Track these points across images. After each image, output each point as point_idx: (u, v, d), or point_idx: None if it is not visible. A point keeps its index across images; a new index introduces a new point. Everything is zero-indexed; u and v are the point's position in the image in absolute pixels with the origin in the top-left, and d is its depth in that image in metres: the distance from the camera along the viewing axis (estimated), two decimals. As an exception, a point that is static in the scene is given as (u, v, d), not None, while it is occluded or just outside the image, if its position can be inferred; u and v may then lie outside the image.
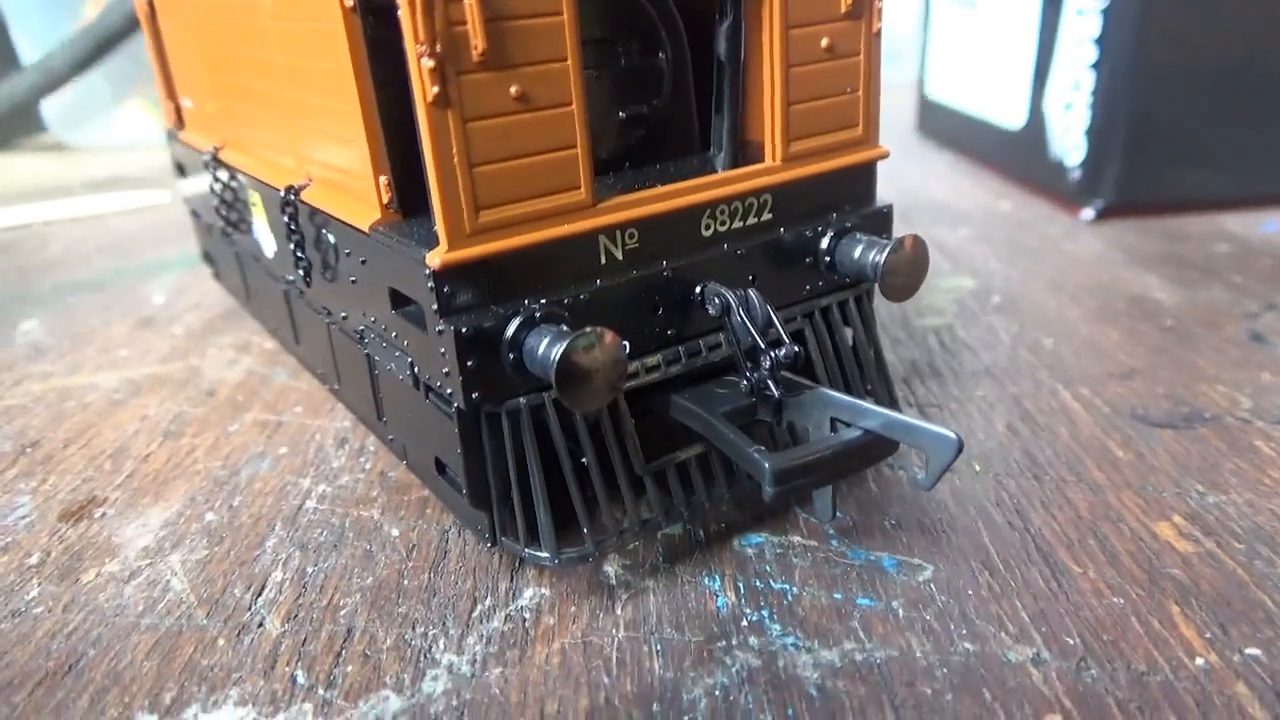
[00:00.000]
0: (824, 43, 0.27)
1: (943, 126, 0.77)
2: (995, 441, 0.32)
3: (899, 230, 0.29)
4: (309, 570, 0.27)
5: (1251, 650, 0.23)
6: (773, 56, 0.27)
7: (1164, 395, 0.35)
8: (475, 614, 0.25)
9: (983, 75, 0.67)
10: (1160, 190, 0.56)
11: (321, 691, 0.23)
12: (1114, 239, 0.53)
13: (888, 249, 0.28)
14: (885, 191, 0.31)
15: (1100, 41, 0.53)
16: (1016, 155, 0.64)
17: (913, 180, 0.68)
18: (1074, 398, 0.35)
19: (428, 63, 0.21)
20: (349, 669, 0.24)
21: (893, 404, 0.31)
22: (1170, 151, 0.55)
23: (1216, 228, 0.54)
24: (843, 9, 0.27)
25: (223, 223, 0.41)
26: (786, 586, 0.26)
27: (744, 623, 0.24)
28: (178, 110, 0.46)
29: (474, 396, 0.24)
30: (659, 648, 0.24)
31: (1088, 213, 0.57)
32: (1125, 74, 0.53)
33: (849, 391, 0.29)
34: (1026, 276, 0.48)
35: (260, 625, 0.25)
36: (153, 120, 0.93)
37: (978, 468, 0.31)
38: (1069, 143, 0.57)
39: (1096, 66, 0.54)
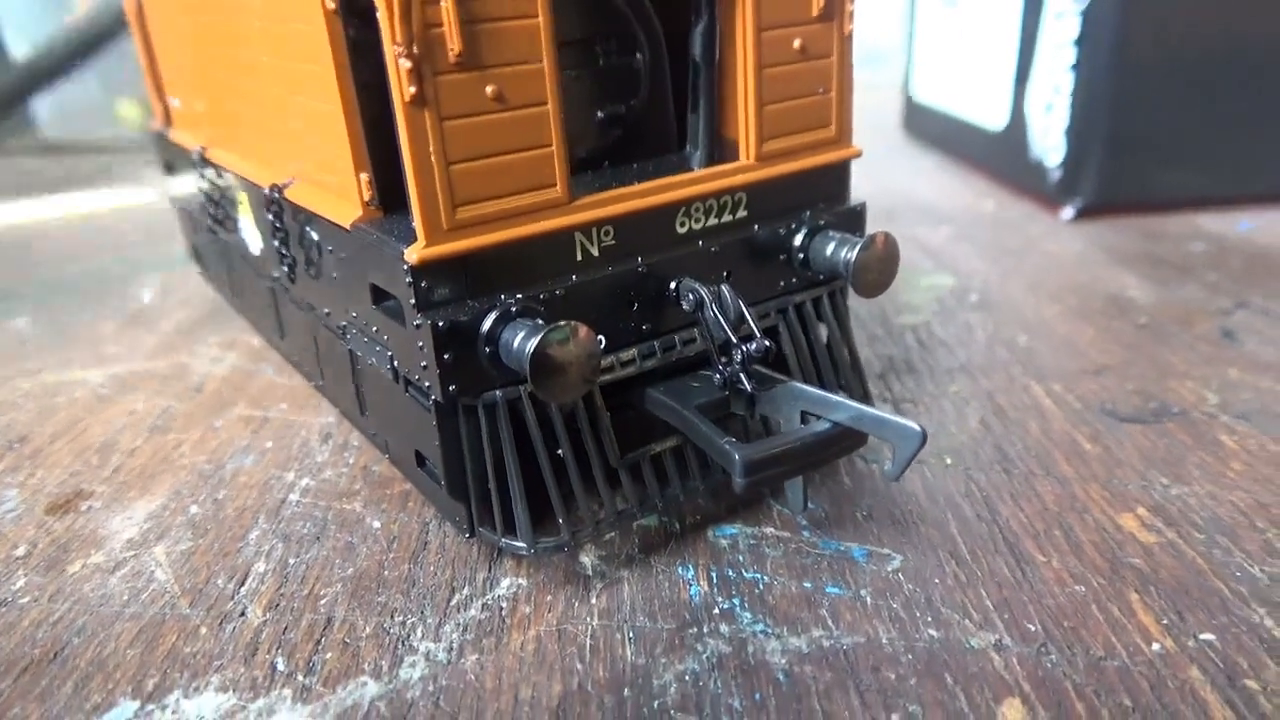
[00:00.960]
0: (796, 44, 0.28)
1: (928, 127, 0.78)
2: (967, 436, 0.33)
3: (884, 229, 0.30)
4: (291, 561, 0.28)
5: (1206, 636, 0.23)
6: (746, 58, 0.27)
7: (1134, 391, 0.36)
8: (453, 603, 0.26)
9: (966, 77, 0.68)
10: (1139, 190, 0.57)
11: (301, 678, 0.23)
12: (1093, 238, 0.54)
13: (859, 246, 0.28)
14: (870, 191, 0.31)
15: (1079, 44, 0.54)
16: (999, 156, 0.65)
17: (898, 180, 0.69)
18: (1046, 393, 0.36)
19: (405, 63, 0.22)
20: (328, 656, 0.24)
21: (866, 399, 0.32)
22: (1149, 152, 0.56)
23: (1193, 227, 0.55)
24: (815, 11, 0.28)
25: (210, 221, 0.41)
26: (758, 576, 0.26)
27: (715, 611, 0.25)
28: (166, 109, 0.46)
29: (451, 389, 0.24)
30: (632, 635, 0.24)
31: (1067, 212, 0.57)
32: (1104, 76, 0.53)
33: (823, 386, 0.30)
34: (1006, 275, 0.49)
35: (242, 614, 0.26)
36: (141, 119, 0.93)
37: (949, 461, 0.31)
38: (1049, 143, 0.58)
39: (1075, 68, 0.54)
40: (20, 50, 0.88)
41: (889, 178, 0.69)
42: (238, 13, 0.31)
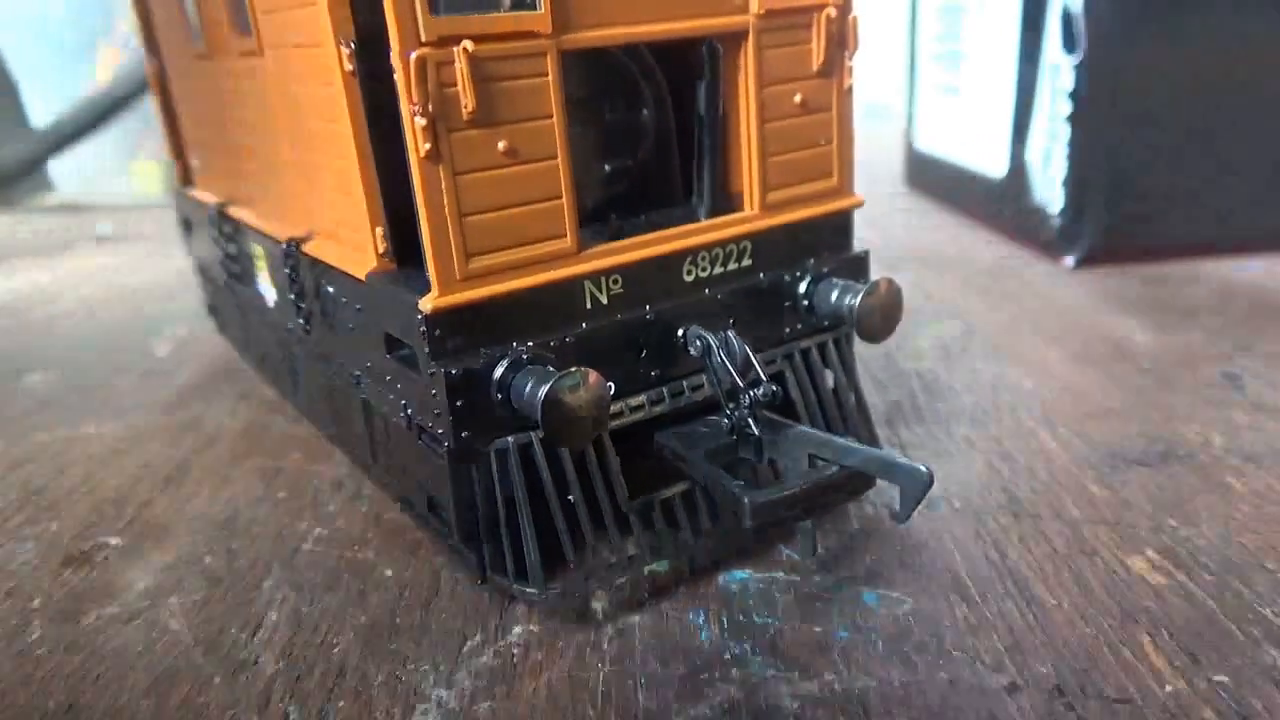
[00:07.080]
0: (797, 99, 0.29)
1: (930, 177, 0.79)
2: (974, 479, 0.33)
3: (887, 276, 0.30)
4: (304, 610, 0.28)
5: (1219, 677, 0.23)
6: (749, 112, 0.28)
7: (1139, 434, 0.36)
8: (465, 650, 0.26)
9: (966, 128, 0.70)
10: (1140, 236, 0.57)
11: (314, 726, 0.23)
12: (1095, 284, 0.54)
13: (863, 292, 0.29)
14: (873, 240, 0.32)
15: (1075, 95, 0.55)
16: (1000, 204, 0.66)
17: (901, 229, 0.70)
18: (1052, 437, 0.36)
19: (420, 121, 0.23)
20: (341, 705, 0.24)
21: (873, 443, 0.32)
22: (1149, 200, 0.56)
23: (1195, 272, 0.55)
24: (815, 67, 0.29)
25: (227, 276, 0.42)
26: (769, 620, 0.26)
27: (727, 656, 0.25)
28: (185, 168, 0.47)
29: (463, 436, 0.25)
30: (644, 681, 0.24)
31: (1069, 260, 0.58)
32: (1101, 126, 0.55)
33: (830, 431, 0.30)
34: (1009, 321, 0.49)
35: (255, 663, 0.26)
36: (160, 179, 0.95)
37: (957, 505, 0.31)
38: (1049, 192, 0.59)
39: (1072, 119, 0.55)
40: (40, 109, 0.90)
41: (892, 227, 0.70)
42: (256, 74, 0.32)
